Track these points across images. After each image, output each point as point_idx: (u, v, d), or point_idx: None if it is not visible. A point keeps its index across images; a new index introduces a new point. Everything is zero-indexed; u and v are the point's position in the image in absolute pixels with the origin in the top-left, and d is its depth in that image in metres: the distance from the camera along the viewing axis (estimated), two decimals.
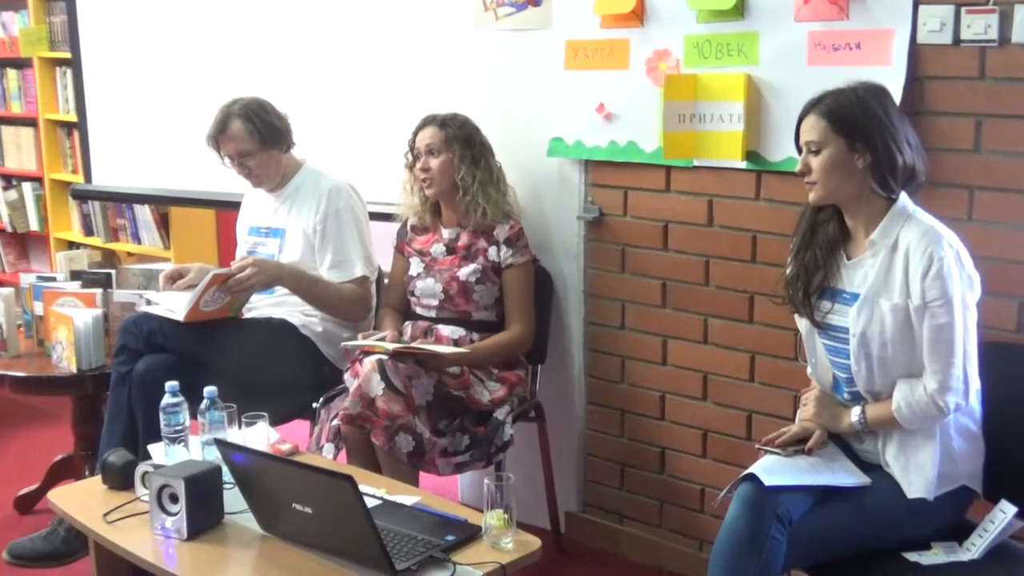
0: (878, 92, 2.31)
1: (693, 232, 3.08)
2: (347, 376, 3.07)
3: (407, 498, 2.45)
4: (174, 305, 3.14)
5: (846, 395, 2.41)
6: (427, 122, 3.19)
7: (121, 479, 2.52)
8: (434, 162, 3.15)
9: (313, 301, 3.29)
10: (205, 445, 2.53)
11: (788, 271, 2.45)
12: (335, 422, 2.95)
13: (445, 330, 3.15)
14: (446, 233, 3.24)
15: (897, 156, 2.26)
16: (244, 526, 2.33)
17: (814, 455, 2.34)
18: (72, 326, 3.25)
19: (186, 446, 2.55)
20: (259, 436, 2.57)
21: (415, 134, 3.21)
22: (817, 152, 2.30)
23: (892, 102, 2.33)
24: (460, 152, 3.14)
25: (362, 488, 2.08)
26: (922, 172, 2.32)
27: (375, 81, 3.72)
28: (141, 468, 2.48)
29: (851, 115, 2.27)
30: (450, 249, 3.21)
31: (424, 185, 3.20)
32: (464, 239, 3.20)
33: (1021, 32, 2.43)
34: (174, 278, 3.28)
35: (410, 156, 3.22)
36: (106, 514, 2.39)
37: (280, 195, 3.43)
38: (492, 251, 3.17)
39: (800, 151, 2.35)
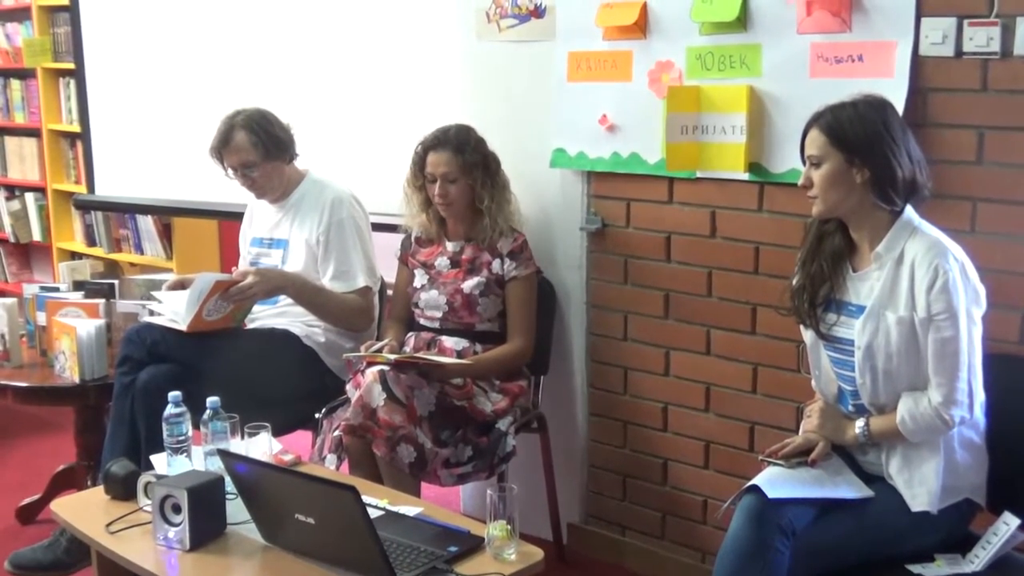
0: (879, 106, 2.31)
1: (696, 243, 3.09)
2: (349, 387, 3.07)
3: (409, 509, 2.45)
4: (178, 308, 3.14)
5: (850, 407, 2.41)
6: (439, 144, 3.12)
7: (123, 489, 2.52)
8: (453, 189, 3.11)
9: (315, 310, 3.30)
10: (208, 455, 2.52)
11: (794, 281, 2.45)
12: (337, 433, 2.94)
13: (449, 341, 3.15)
14: (450, 246, 3.24)
15: (897, 170, 2.25)
16: (247, 536, 2.33)
17: (817, 467, 2.34)
18: (75, 336, 3.25)
19: (189, 456, 2.55)
20: (262, 446, 2.56)
21: (425, 153, 3.15)
22: (818, 166, 2.30)
23: (894, 115, 2.32)
24: (481, 179, 3.11)
25: (364, 499, 2.08)
26: (924, 185, 2.31)
27: (378, 92, 3.74)
28: (144, 478, 2.48)
29: (849, 130, 2.26)
30: (454, 262, 3.21)
31: (441, 209, 3.18)
32: (468, 252, 3.20)
33: (1023, 44, 2.43)
34: (176, 290, 3.28)
35: (416, 173, 3.18)
36: (108, 524, 2.39)
37: (283, 206, 3.43)
38: (496, 264, 3.17)
39: (805, 164, 2.35)
